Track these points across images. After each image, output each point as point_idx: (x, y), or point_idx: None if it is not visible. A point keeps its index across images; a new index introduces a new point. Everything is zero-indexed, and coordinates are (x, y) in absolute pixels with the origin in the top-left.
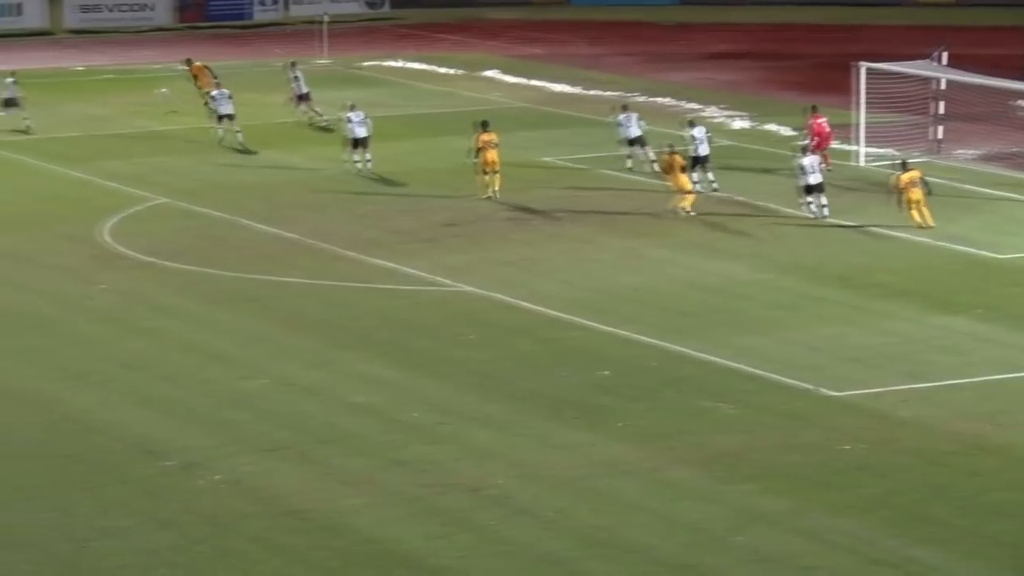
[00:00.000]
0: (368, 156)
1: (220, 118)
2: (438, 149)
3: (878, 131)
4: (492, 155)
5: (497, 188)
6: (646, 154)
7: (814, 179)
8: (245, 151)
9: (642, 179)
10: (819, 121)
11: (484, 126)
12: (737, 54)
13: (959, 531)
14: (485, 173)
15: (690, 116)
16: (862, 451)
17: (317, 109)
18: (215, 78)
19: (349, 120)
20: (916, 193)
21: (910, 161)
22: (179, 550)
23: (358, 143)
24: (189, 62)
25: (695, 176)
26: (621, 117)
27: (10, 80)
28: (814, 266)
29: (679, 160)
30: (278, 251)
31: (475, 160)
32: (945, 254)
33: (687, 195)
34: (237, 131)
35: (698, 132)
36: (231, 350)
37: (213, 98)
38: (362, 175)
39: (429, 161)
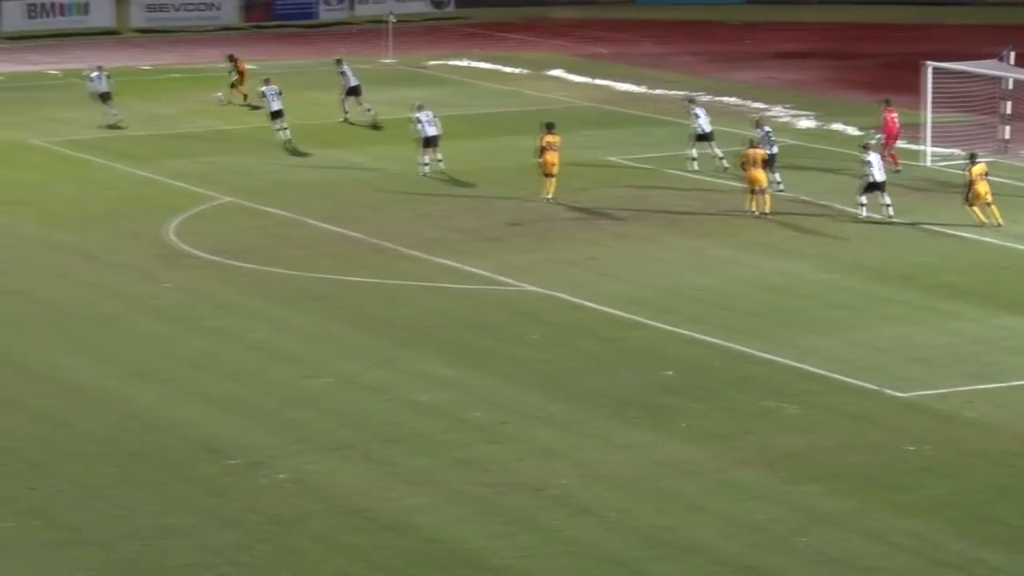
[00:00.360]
0: (439, 156)
1: (273, 116)
2: (502, 148)
3: (945, 131)
4: (552, 157)
5: (551, 194)
6: (714, 151)
7: (879, 176)
8: (295, 151)
9: (707, 179)
10: (891, 116)
11: (549, 128)
12: (803, 53)
13: None
14: (545, 175)
15: (757, 116)
16: (927, 452)
17: (366, 105)
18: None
19: (418, 120)
20: (984, 186)
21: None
22: (242, 548)
23: (428, 143)
24: (232, 59)
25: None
26: (698, 110)
27: (95, 74)
28: (878, 266)
29: (760, 154)
30: (342, 250)
31: (538, 160)
32: (1012, 254)
33: (763, 195)
34: (284, 128)
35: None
36: (295, 349)
37: (263, 95)
38: (429, 176)
39: (493, 160)
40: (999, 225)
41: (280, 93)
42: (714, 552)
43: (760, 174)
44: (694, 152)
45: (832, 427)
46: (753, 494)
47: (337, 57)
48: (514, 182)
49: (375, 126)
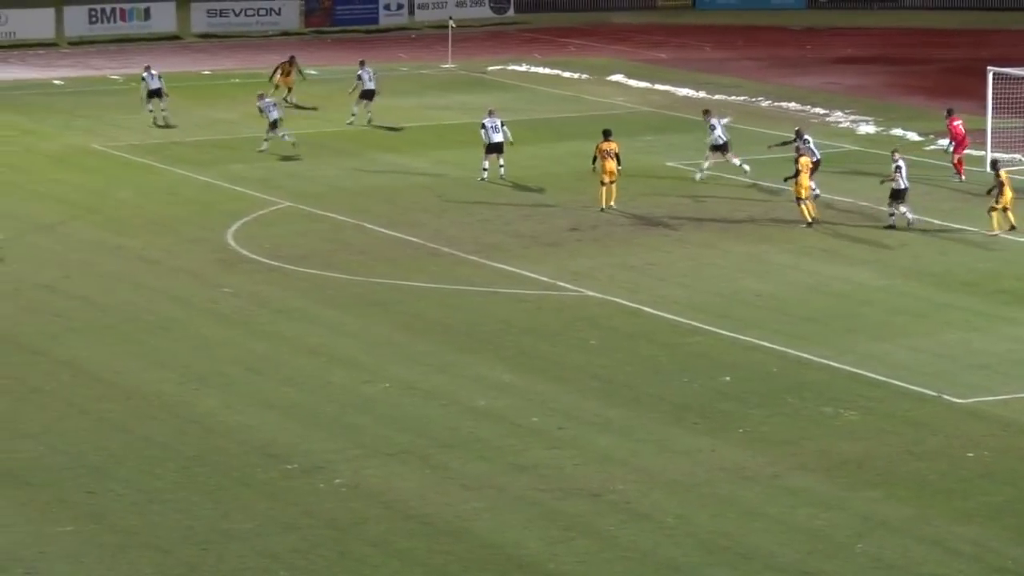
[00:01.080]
0: (501, 162)
1: (272, 125)
2: (563, 153)
3: (1007, 136)
4: (611, 165)
5: (613, 202)
6: (729, 160)
7: (903, 183)
8: (294, 158)
9: (767, 184)
10: (955, 124)
11: (606, 135)
12: (864, 58)
13: None
14: (603, 184)
15: (798, 127)
16: (986, 458)
17: (369, 109)
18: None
19: (483, 126)
20: (1007, 193)
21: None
22: (300, 553)
23: (491, 149)
24: (292, 60)
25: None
26: (714, 121)
27: (146, 74)
28: (939, 272)
29: (805, 163)
30: (401, 255)
31: (594, 168)
32: None
33: (808, 203)
34: (286, 133)
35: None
36: (354, 354)
37: (260, 109)
38: (486, 182)
39: (553, 165)
40: (1013, 227)
41: (277, 104)
42: (771, 558)
43: (804, 181)
44: (706, 164)
45: (891, 433)
46: (811, 500)
47: (361, 60)
48: (574, 187)
49: (393, 128)
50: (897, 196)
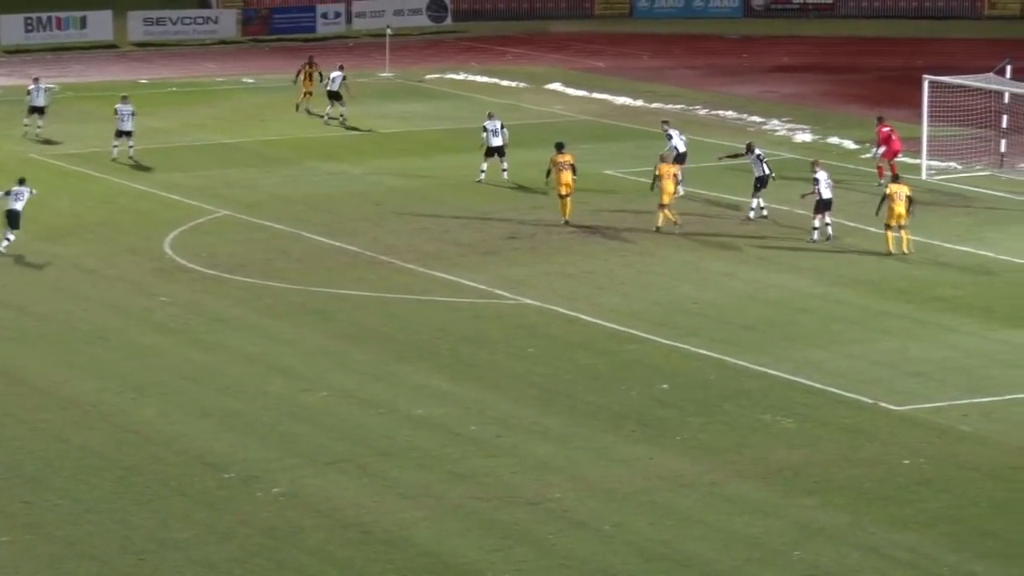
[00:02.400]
0: (504, 165)
1: (118, 134)
2: (496, 161)
3: (943, 144)
4: (567, 177)
5: (567, 215)
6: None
7: (826, 194)
8: (139, 167)
9: (704, 193)
10: (884, 130)
11: (559, 148)
12: (801, 67)
13: (1020, 546)
14: (561, 196)
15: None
16: (923, 466)
17: (329, 112)
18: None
19: (484, 128)
20: (900, 207)
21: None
22: (237, 562)
23: (491, 152)
24: (312, 62)
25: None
26: (672, 131)
27: (33, 87)
28: (876, 280)
29: (666, 170)
30: (339, 264)
31: (547, 181)
32: (1008, 268)
33: (668, 210)
34: (129, 146)
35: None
36: (291, 363)
37: (117, 111)
38: (484, 183)
39: (490, 173)
40: (904, 253)
41: (134, 114)
42: (709, 566)
43: (669, 188)
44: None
45: (828, 441)
46: (748, 508)
47: (340, 64)
48: (512, 196)
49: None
50: (820, 208)
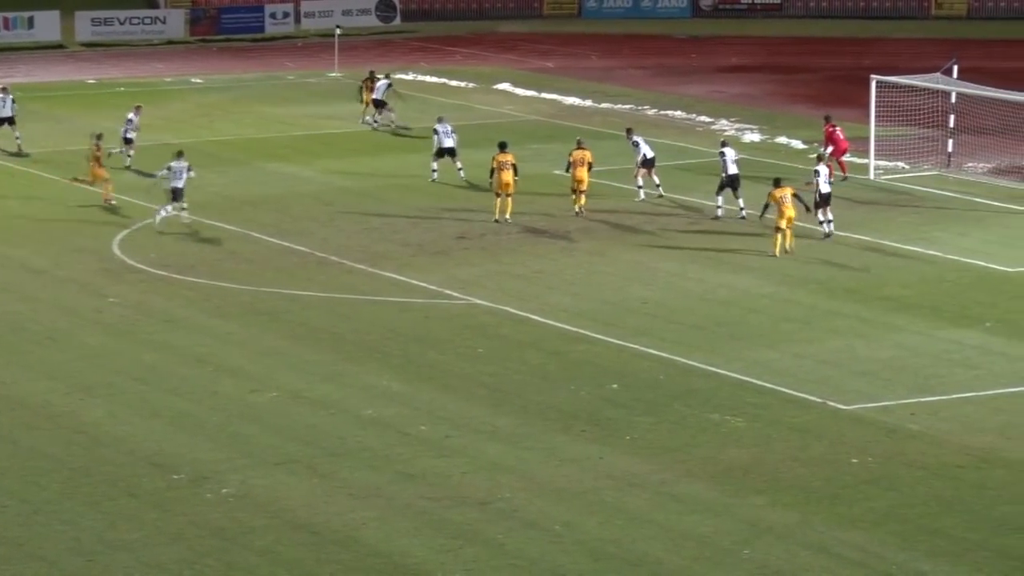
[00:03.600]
0: (459, 165)
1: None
2: (450, 161)
3: (890, 144)
4: (507, 176)
5: (508, 214)
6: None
7: (825, 188)
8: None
9: (653, 192)
10: (835, 130)
11: (502, 147)
12: (750, 67)
13: (968, 545)
14: (497, 195)
15: (723, 137)
16: (870, 465)
17: (376, 119)
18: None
19: (435, 131)
20: (790, 210)
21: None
22: (187, 563)
23: (443, 153)
24: (372, 76)
25: (720, 200)
26: (637, 138)
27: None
28: (824, 279)
29: (579, 156)
30: (289, 264)
31: (490, 180)
32: (955, 267)
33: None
34: (17, 136)
35: (728, 153)
36: (241, 363)
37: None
38: (437, 183)
39: (440, 174)
40: (788, 252)
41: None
42: (659, 565)
43: (581, 175)
44: (640, 180)
45: (776, 440)
46: (698, 507)
47: (387, 73)
48: (461, 195)
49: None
50: (822, 202)
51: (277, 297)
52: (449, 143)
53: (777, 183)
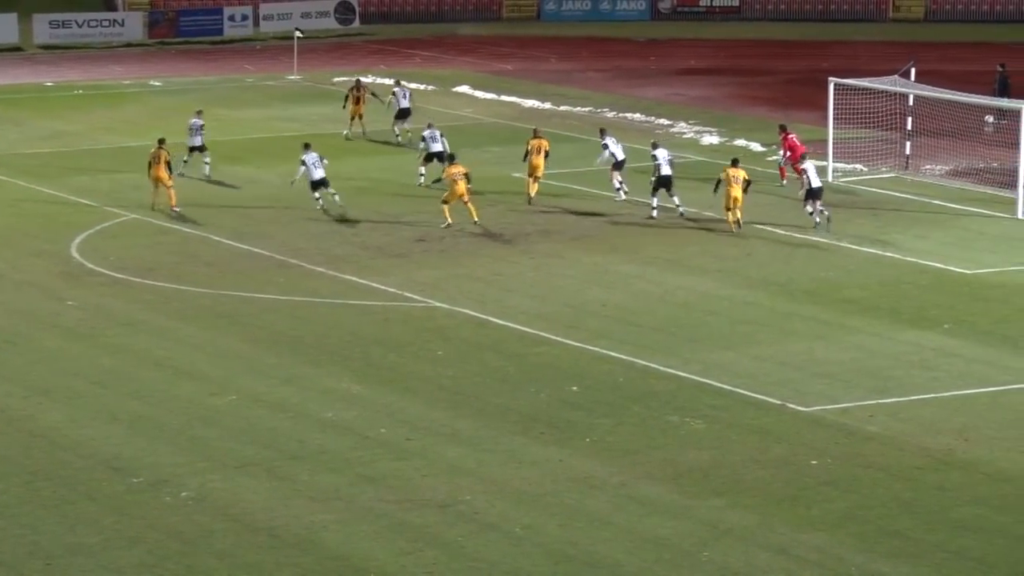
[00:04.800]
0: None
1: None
2: (410, 165)
3: (848, 147)
4: (461, 187)
5: (476, 218)
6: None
7: (816, 183)
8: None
9: (608, 194)
10: (790, 136)
11: (451, 159)
12: (708, 70)
13: (926, 546)
14: (446, 203)
15: (654, 139)
16: (830, 466)
17: (397, 130)
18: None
19: (423, 138)
20: (736, 190)
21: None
22: (146, 567)
23: (432, 157)
24: (359, 85)
25: (656, 200)
26: (608, 140)
27: None
28: (783, 281)
29: (543, 144)
30: (249, 267)
31: (440, 182)
32: (914, 269)
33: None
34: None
35: (660, 153)
36: (201, 367)
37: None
38: (423, 186)
39: (401, 176)
40: (738, 224)
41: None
42: (618, 567)
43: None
44: (616, 181)
45: (736, 442)
46: (657, 509)
47: (398, 79)
48: (420, 199)
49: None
50: (812, 196)
51: (237, 300)
52: (437, 147)
53: (734, 163)
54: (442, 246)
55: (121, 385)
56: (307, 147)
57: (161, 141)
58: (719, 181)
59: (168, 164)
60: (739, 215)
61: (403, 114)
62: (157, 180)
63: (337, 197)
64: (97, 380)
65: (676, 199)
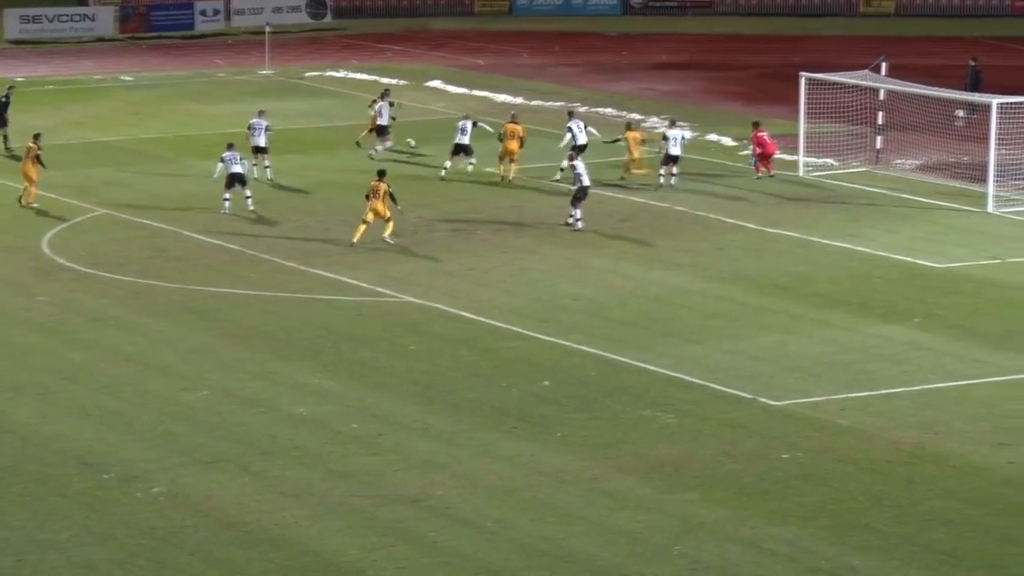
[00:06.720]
0: (473, 160)
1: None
2: (382, 159)
3: (819, 141)
4: (379, 206)
5: (387, 234)
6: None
7: (674, 151)
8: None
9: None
10: (761, 134)
11: (380, 175)
12: (680, 64)
13: (897, 539)
14: (365, 222)
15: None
16: (801, 460)
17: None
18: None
19: (457, 129)
20: (636, 151)
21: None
22: (117, 563)
23: (460, 149)
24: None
25: (663, 171)
26: (572, 124)
27: None
28: (754, 275)
29: (517, 130)
30: (219, 262)
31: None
32: (884, 263)
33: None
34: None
35: (673, 133)
36: (172, 362)
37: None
38: (446, 180)
39: (373, 171)
40: (644, 173)
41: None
42: (591, 561)
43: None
44: (565, 164)
45: (708, 436)
46: (630, 503)
47: (384, 90)
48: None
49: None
50: (669, 161)
51: (208, 295)
52: (464, 140)
53: (628, 126)
54: (414, 240)
55: (92, 381)
56: (230, 147)
57: (36, 136)
58: (617, 139)
59: (38, 159)
60: (639, 170)
61: (381, 131)
62: (24, 175)
63: (250, 201)
64: (68, 376)
65: (578, 212)
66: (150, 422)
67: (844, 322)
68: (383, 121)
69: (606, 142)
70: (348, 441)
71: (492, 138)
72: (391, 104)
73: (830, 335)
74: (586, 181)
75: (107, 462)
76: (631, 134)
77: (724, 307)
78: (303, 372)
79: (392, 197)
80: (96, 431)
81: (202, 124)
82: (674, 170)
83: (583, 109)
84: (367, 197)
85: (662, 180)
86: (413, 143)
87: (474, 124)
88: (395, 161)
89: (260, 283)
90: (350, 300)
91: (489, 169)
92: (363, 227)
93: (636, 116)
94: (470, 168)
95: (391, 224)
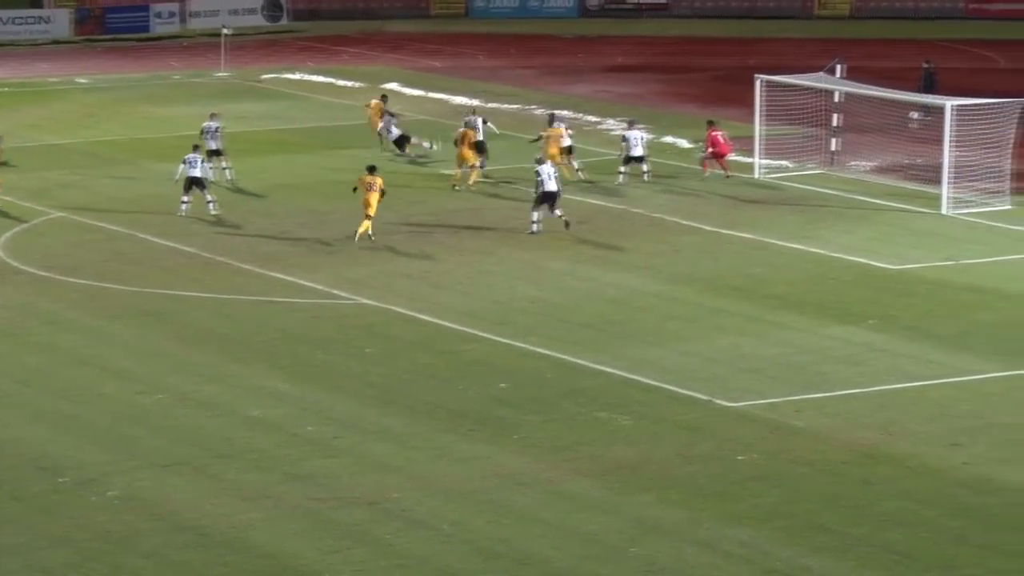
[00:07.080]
0: (480, 162)
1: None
2: (337, 161)
3: (775, 143)
4: (370, 197)
5: (370, 231)
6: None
7: (550, 187)
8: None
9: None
10: (715, 134)
11: (371, 170)
12: (636, 67)
13: (853, 540)
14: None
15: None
16: (757, 461)
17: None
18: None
19: (472, 125)
20: (557, 146)
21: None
22: (72, 567)
23: (480, 148)
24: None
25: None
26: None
27: None
28: (710, 277)
29: (470, 135)
30: (175, 265)
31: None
32: (839, 265)
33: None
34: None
35: (632, 135)
36: (127, 365)
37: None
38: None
39: (329, 173)
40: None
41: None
42: (547, 563)
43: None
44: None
45: (664, 438)
46: (586, 505)
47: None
48: (349, 195)
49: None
50: (632, 161)
51: (163, 298)
52: (477, 137)
53: (551, 120)
54: (371, 243)
55: (47, 384)
56: (195, 148)
57: None
58: (539, 137)
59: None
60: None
61: (479, 147)
62: None
63: (212, 206)
64: (22, 379)
65: (559, 211)
66: (106, 425)
67: (800, 324)
68: (480, 137)
69: (532, 141)
70: (304, 444)
71: (497, 138)
72: (484, 121)
73: (786, 337)
74: (550, 186)
75: (63, 466)
76: (552, 131)
77: (681, 309)
78: (259, 375)
79: (382, 193)
80: (51, 435)
81: (158, 126)
82: (644, 167)
83: (540, 112)
84: (354, 190)
85: (621, 180)
86: (435, 146)
87: (484, 122)
88: (392, 162)
89: (217, 286)
90: (307, 303)
91: (445, 171)
92: (367, 222)
93: (565, 112)
94: (483, 168)
95: (370, 223)
